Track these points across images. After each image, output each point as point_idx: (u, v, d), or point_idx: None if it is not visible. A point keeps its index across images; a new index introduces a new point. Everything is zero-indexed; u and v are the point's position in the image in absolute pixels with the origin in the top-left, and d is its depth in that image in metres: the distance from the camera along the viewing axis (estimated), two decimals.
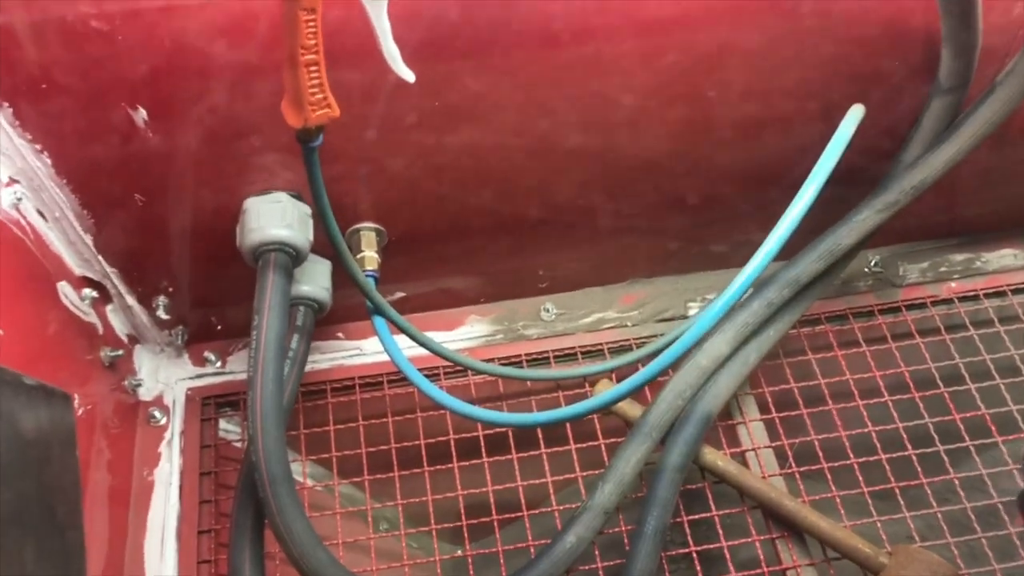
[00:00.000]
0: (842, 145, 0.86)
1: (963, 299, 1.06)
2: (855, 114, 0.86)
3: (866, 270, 1.08)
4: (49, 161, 0.79)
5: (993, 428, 0.94)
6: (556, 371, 1.01)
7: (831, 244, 0.90)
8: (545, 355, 1.03)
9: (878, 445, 0.94)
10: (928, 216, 1.05)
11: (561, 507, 0.92)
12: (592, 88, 0.82)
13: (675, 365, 0.87)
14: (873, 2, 0.80)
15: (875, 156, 0.93)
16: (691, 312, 1.05)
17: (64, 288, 0.86)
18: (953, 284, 1.07)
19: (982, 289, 1.06)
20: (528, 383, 1.01)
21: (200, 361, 1.03)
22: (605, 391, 0.89)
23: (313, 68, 0.65)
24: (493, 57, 0.78)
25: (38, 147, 0.77)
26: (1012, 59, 0.83)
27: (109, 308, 0.94)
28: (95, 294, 0.90)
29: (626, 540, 0.88)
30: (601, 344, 1.03)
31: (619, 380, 0.91)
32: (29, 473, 0.59)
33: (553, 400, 1.00)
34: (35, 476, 0.60)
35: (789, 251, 0.88)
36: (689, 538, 0.89)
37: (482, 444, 0.95)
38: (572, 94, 0.82)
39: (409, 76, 0.68)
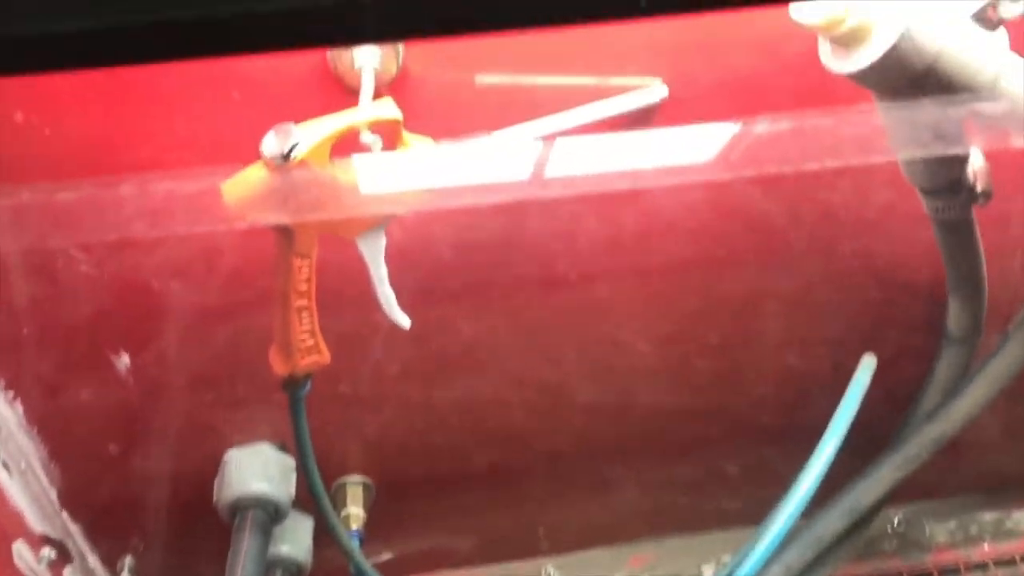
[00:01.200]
0: (858, 400, 0.82)
1: (999, 563, 0.98)
2: (867, 366, 0.84)
3: (889, 530, 1.01)
4: (21, 409, 0.75)
5: None
6: None
7: (851, 502, 0.84)
8: None
9: None
10: (951, 470, 1.00)
11: None
12: (602, 334, 0.79)
13: None
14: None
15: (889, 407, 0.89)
16: (706, 575, 0.97)
17: (20, 549, 0.79)
18: (986, 546, 1.00)
19: (1018, 553, 0.99)
20: None
21: None
22: None
23: (304, 314, 0.64)
24: (490, 300, 0.76)
25: (11, 394, 0.74)
26: (1022, 308, 0.81)
27: (67, 570, 0.86)
28: (53, 555, 0.83)
29: None
30: None
31: None
32: None
33: None
34: None
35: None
36: None
37: None
38: (579, 341, 0.79)
39: (404, 322, 0.67)
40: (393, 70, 0.64)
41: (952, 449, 0.85)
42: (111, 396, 0.76)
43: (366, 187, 0.60)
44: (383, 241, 0.64)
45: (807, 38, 0.60)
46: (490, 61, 0.67)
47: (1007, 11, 0.57)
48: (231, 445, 0.82)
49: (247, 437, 0.82)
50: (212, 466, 0.82)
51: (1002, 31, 0.59)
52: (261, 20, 0.30)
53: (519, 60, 0.68)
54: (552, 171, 0.58)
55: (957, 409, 0.84)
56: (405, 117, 0.60)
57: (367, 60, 0.62)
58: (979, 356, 0.85)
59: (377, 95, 0.62)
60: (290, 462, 0.83)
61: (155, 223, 0.43)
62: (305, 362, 0.67)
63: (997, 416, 0.88)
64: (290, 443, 0.81)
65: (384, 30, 0.31)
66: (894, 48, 0.56)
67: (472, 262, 0.74)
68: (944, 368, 0.87)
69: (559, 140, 0.61)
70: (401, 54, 0.63)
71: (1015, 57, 0.59)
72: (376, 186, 0.61)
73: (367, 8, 0.29)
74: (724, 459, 0.93)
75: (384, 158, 0.61)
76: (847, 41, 0.57)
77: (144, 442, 0.81)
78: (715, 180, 0.73)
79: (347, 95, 0.62)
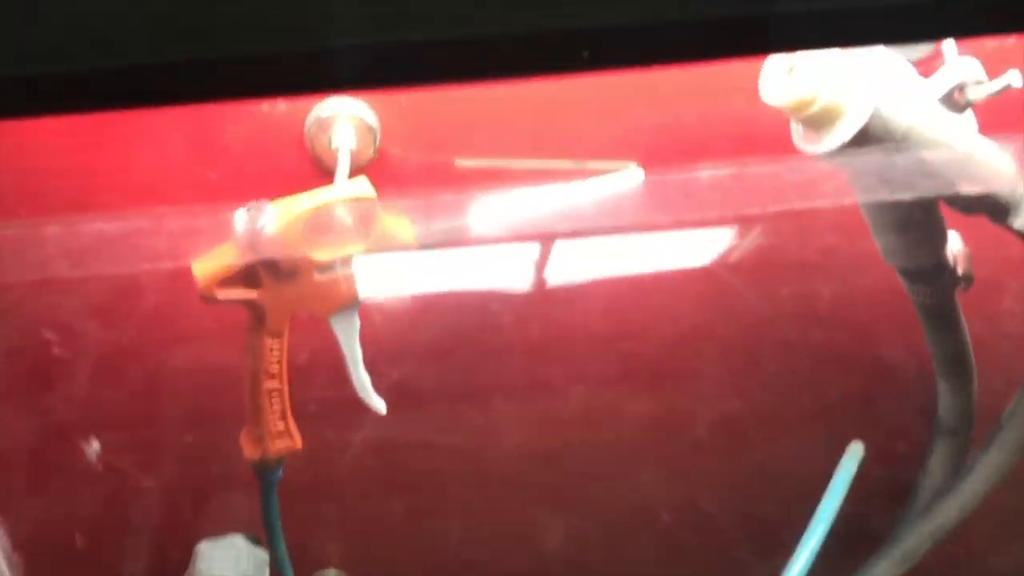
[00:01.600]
0: (843, 491, 0.80)
1: None
2: (854, 453, 0.81)
3: None
4: None
5: None
6: None
7: None
8: None
9: None
10: (953, 569, 0.96)
11: None
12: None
13: None
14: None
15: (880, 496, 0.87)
16: None
17: None
18: None
19: None
20: None
21: None
22: None
23: (275, 396, 0.63)
24: (476, 393, 0.75)
25: None
26: (1015, 396, 0.80)
27: None
28: None
29: None
30: None
31: None
32: None
33: None
34: None
35: None
36: None
37: None
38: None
39: (380, 407, 0.65)
40: (370, 152, 0.64)
41: (955, 543, 0.82)
42: (79, 484, 0.74)
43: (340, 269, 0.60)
44: (357, 322, 0.63)
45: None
46: (469, 144, 0.68)
47: (974, 94, 0.58)
48: (203, 536, 0.79)
49: (221, 530, 0.79)
50: (183, 561, 0.79)
51: (969, 114, 0.60)
52: (234, 67, 0.30)
53: (498, 144, 0.69)
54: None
55: (954, 502, 0.81)
56: (382, 199, 0.60)
57: (344, 140, 0.62)
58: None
59: (354, 176, 0.62)
60: (265, 555, 0.79)
61: (78, 263, 0.42)
62: (276, 447, 0.65)
63: (998, 510, 0.85)
64: (260, 533, 0.79)
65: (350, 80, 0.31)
66: (864, 128, 0.56)
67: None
68: (938, 458, 0.84)
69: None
70: (378, 136, 0.64)
71: (983, 139, 0.60)
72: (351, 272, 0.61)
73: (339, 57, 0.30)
74: (706, 558, 0.90)
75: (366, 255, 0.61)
76: (818, 123, 0.58)
77: (112, 533, 0.78)
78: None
79: (324, 177, 0.63)
